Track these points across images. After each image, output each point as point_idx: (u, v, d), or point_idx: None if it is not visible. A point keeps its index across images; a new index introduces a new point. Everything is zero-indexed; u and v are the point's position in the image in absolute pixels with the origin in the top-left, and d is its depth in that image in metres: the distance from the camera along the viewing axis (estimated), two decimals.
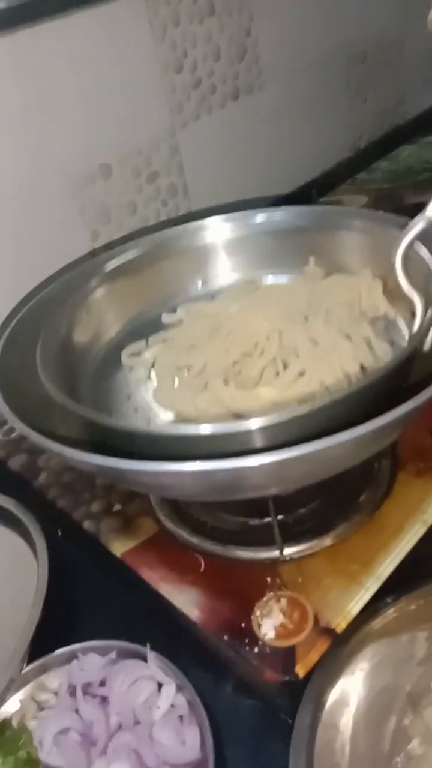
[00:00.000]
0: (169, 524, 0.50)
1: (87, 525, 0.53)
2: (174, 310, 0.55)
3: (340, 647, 0.41)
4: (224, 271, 0.57)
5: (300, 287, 0.53)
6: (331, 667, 0.40)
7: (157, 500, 0.52)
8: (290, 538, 0.46)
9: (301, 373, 0.44)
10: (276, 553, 0.45)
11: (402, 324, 0.48)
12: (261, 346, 0.46)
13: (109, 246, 0.73)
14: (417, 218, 0.41)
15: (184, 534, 0.49)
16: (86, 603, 0.54)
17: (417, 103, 1.11)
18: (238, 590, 0.45)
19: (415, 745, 0.41)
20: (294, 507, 0.49)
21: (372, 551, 0.45)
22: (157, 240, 0.56)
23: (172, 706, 0.45)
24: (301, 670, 0.40)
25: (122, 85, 0.71)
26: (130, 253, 0.55)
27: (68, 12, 0.64)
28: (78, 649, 0.48)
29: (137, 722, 0.45)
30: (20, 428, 0.38)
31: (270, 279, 0.56)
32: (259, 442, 0.34)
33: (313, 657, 0.41)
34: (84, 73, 0.67)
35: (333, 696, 0.40)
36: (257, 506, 0.49)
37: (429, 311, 0.41)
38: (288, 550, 0.46)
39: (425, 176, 0.93)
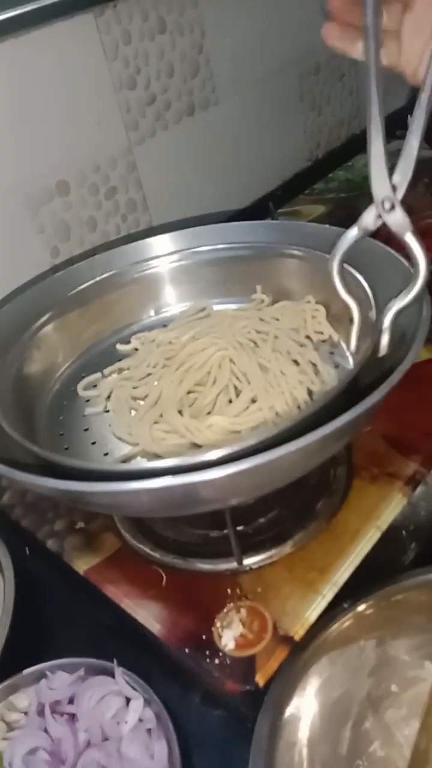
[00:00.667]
0: (132, 540, 0.51)
1: (50, 544, 0.53)
2: (128, 341, 0.56)
3: (299, 655, 0.42)
4: (175, 300, 0.59)
5: (248, 314, 0.55)
6: (290, 674, 0.41)
7: (119, 517, 0.53)
8: (249, 549, 0.47)
9: (253, 400, 0.46)
10: (235, 564, 0.46)
11: (345, 347, 0.50)
12: (213, 374, 0.48)
13: (71, 262, 0.74)
14: (351, 228, 0.43)
15: (146, 549, 0.49)
16: (54, 620, 0.54)
17: None
18: (200, 602, 0.46)
19: (376, 747, 0.42)
20: (253, 517, 0.50)
21: (329, 558, 0.46)
22: (108, 269, 0.57)
23: (140, 720, 0.45)
24: (261, 679, 0.41)
25: (76, 102, 0.72)
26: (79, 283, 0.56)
27: (17, 32, 0.64)
28: (46, 667, 0.48)
29: (106, 738, 0.46)
30: None
31: (219, 306, 0.58)
32: None
33: (273, 665, 0.41)
34: (36, 91, 0.68)
35: (292, 703, 0.40)
36: (217, 518, 0.49)
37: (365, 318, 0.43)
38: (247, 560, 0.47)
39: None
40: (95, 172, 0.75)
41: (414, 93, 0.38)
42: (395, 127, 0.96)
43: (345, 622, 0.43)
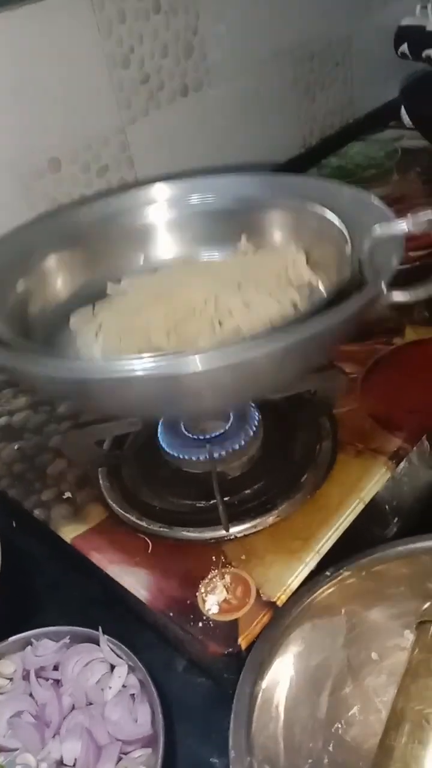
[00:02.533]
0: (118, 509, 0.51)
1: (38, 513, 0.53)
2: (118, 282, 0.58)
3: (281, 620, 0.42)
4: (164, 248, 0.60)
5: (233, 261, 0.57)
6: (271, 639, 0.41)
7: (107, 486, 0.53)
8: (235, 518, 0.48)
9: (236, 330, 0.47)
10: (221, 532, 0.47)
11: (323, 290, 0.51)
12: (199, 310, 0.50)
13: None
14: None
15: (132, 518, 0.50)
16: (41, 590, 0.55)
17: (367, 102, 1.13)
18: (185, 570, 0.46)
19: (355, 711, 0.43)
20: (239, 488, 0.51)
21: (312, 528, 0.47)
22: (103, 216, 0.59)
23: (124, 686, 0.46)
24: (243, 642, 0.42)
25: (69, 79, 0.72)
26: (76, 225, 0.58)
27: (11, 5, 0.64)
28: (32, 635, 0.49)
29: (90, 703, 0.46)
30: None
31: (206, 255, 0.60)
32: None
33: (255, 630, 0.42)
34: (29, 67, 0.68)
35: (273, 666, 0.41)
36: (203, 489, 0.50)
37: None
38: (233, 529, 0.47)
39: (371, 172, 0.96)
40: (87, 150, 0.76)
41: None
42: (388, 118, 0.98)
43: (327, 590, 0.44)
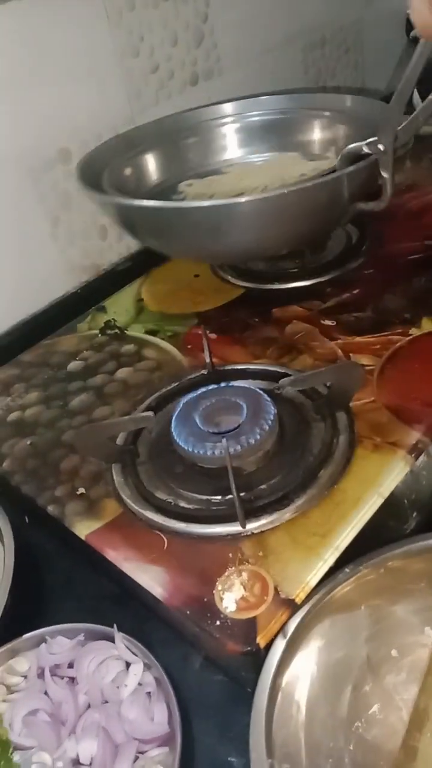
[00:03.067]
0: (133, 505, 0.50)
1: (51, 509, 0.53)
2: (194, 177, 0.77)
3: (300, 617, 0.41)
4: (229, 153, 0.80)
5: (277, 162, 0.75)
6: (291, 637, 0.41)
7: (120, 482, 0.53)
8: (251, 514, 0.47)
9: None
10: (238, 528, 0.46)
11: None
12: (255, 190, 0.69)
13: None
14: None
15: (147, 514, 0.49)
16: (54, 587, 0.54)
17: (378, 87, 1.11)
18: (201, 567, 0.46)
19: (375, 709, 0.42)
20: (255, 484, 0.50)
21: (330, 524, 0.46)
22: (186, 125, 0.79)
23: (140, 684, 0.46)
24: (262, 641, 0.41)
25: (79, 69, 0.71)
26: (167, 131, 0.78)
27: None
28: (46, 632, 0.48)
29: (105, 701, 0.46)
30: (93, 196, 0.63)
31: (258, 158, 0.79)
32: None
33: (274, 628, 0.41)
34: (38, 57, 0.67)
35: (293, 665, 0.40)
36: (219, 484, 0.49)
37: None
38: (249, 525, 0.46)
39: None
40: (97, 141, 0.75)
41: None
42: None
43: (346, 587, 0.43)
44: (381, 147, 0.54)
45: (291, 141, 0.77)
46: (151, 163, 0.76)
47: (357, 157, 0.57)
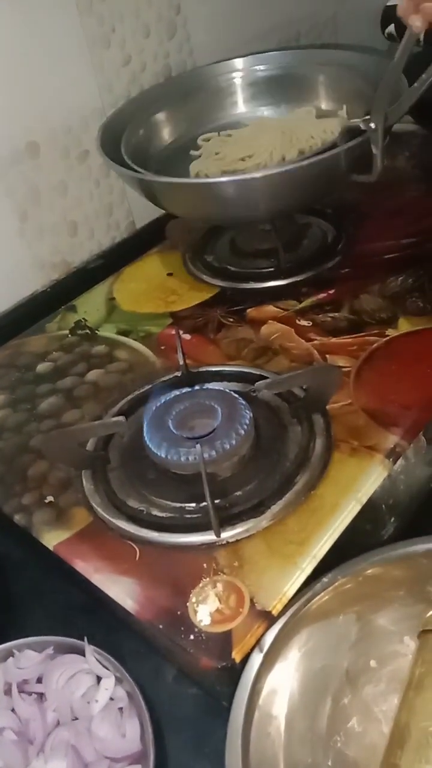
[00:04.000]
0: (104, 514, 0.49)
1: (18, 518, 0.51)
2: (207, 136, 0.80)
3: (277, 630, 0.40)
4: (240, 107, 0.83)
5: (289, 118, 0.78)
6: (267, 650, 0.39)
7: (90, 489, 0.51)
8: (226, 522, 0.46)
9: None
10: (212, 536, 0.45)
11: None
12: (263, 149, 0.73)
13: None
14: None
15: (118, 523, 0.48)
16: (22, 598, 0.52)
17: None
18: (175, 578, 0.44)
19: (354, 723, 0.41)
20: (230, 490, 0.49)
21: (307, 531, 0.45)
22: (196, 84, 0.81)
23: (111, 699, 0.44)
24: (237, 655, 0.40)
25: (48, 60, 0.69)
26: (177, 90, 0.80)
27: None
28: (13, 645, 0.47)
29: (75, 718, 0.44)
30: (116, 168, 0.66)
31: (273, 113, 0.82)
32: None
33: (250, 641, 0.40)
34: (4, 46, 0.65)
35: (270, 679, 0.39)
36: (193, 491, 0.48)
37: None
38: (224, 534, 0.45)
39: None
40: (67, 134, 0.72)
41: None
42: None
43: (324, 597, 0.42)
44: (372, 125, 0.60)
45: (303, 96, 0.80)
46: (166, 121, 0.79)
47: (356, 131, 0.62)
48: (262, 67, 0.81)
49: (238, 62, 0.82)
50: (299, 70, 0.80)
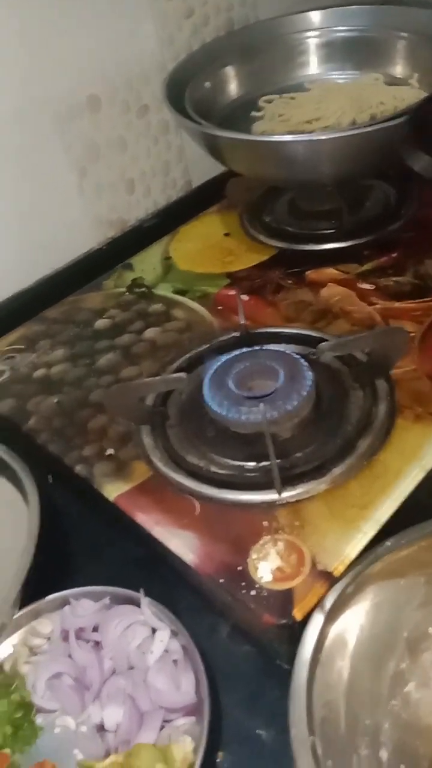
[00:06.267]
0: (164, 468, 0.49)
1: (79, 469, 0.51)
2: (269, 98, 0.77)
3: (339, 591, 0.40)
4: (310, 67, 0.80)
5: (362, 85, 0.75)
6: (329, 611, 0.39)
7: (150, 444, 0.51)
8: (287, 482, 0.45)
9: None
10: (273, 495, 0.44)
11: None
12: (331, 112, 0.71)
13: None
14: None
15: (178, 478, 0.48)
16: (79, 549, 0.53)
17: None
18: (234, 534, 0.44)
19: (411, 688, 0.41)
20: (290, 451, 0.48)
21: (370, 496, 0.44)
22: (267, 39, 0.78)
23: (166, 651, 0.44)
24: (298, 613, 0.40)
25: (109, 12, 0.67)
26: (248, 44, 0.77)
27: None
28: (70, 594, 0.47)
29: (131, 667, 0.45)
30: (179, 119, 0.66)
31: (342, 77, 0.78)
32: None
33: (311, 600, 0.40)
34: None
35: (331, 639, 0.39)
36: (253, 450, 0.48)
37: None
38: (285, 494, 0.45)
39: None
40: (127, 88, 0.71)
41: None
42: None
43: (386, 562, 0.41)
44: None
45: (374, 61, 0.76)
46: (231, 76, 0.77)
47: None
48: (338, 27, 0.77)
49: (315, 16, 0.77)
50: (375, 33, 0.75)
